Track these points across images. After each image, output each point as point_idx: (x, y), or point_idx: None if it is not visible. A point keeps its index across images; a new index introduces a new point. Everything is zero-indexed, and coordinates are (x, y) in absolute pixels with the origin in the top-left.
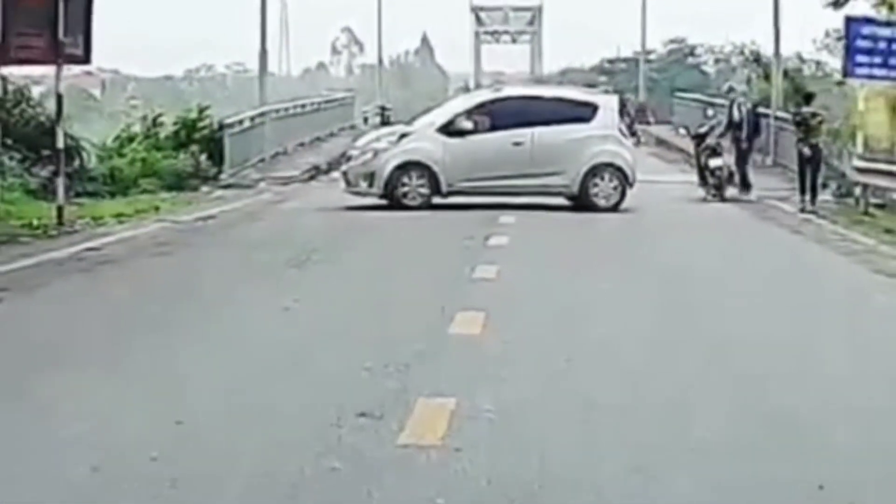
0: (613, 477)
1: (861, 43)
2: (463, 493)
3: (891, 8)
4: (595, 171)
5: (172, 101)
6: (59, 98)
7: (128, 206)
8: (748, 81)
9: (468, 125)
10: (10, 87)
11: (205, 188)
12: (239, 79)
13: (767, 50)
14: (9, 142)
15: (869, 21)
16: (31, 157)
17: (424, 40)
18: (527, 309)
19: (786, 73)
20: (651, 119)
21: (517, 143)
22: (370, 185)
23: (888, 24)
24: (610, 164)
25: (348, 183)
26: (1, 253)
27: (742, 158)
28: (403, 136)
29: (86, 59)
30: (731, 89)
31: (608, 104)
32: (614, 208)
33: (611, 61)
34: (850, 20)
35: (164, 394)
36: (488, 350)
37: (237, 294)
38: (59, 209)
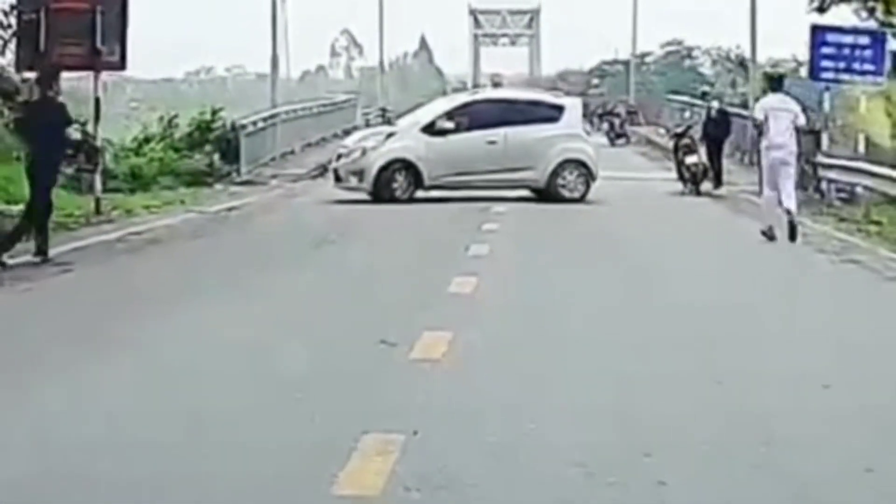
0: (579, 383)
1: (825, 49)
2: (457, 389)
3: (871, 12)
4: (562, 166)
5: (173, 104)
6: (97, 102)
7: (154, 200)
8: (733, 84)
9: (448, 125)
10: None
11: (218, 185)
12: (238, 81)
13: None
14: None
15: (833, 29)
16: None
17: (423, 43)
18: (512, 276)
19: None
20: (642, 120)
21: (491, 142)
22: (360, 181)
23: (851, 31)
24: (575, 160)
25: (339, 179)
26: (56, 237)
27: (715, 156)
28: (390, 135)
29: (122, 66)
30: (704, 93)
31: (573, 106)
32: (580, 199)
33: (608, 63)
34: (815, 28)
35: (240, 330)
36: (478, 303)
37: (269, 267)
38: (97, 201)
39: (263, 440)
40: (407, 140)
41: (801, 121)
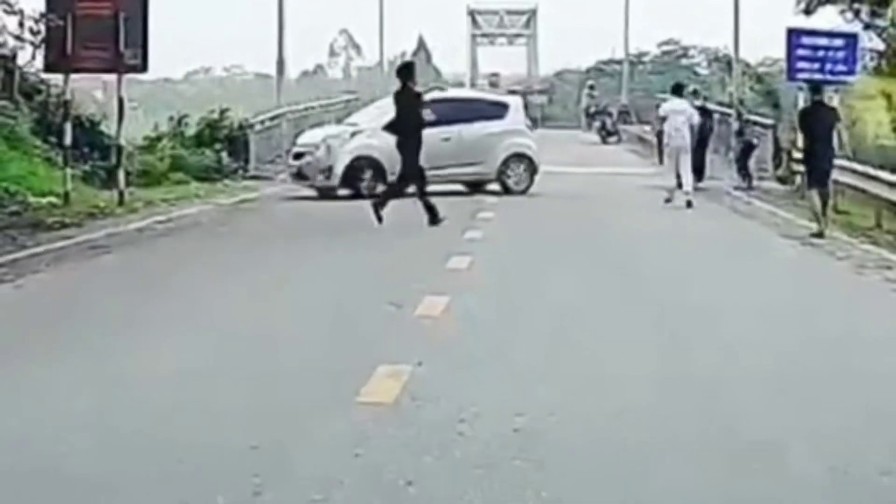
0: (552, 325)
1: (801, 51)
2: (452, 335)
3: (857, 13)
4: (509, 160)
5: (173, 104)
6: (121, 102)
7: (170, 193)
8: (722, 83)
9: None
10: (53, 92)
11: (227, 180)
12: (237, 81)
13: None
14: (53, 140)
15: (808, 32)
16: (74, 152)
17: (421, 43)
18: (503, 255)
19: (759, 78)
20: (633, 119)
21: (446, 139)
22: (327, 178)
23: (825, 34)
24: (521, 154)
25: (303, 177)
26: (88, 225)
27: (696, 151)
28: (355, 133)
29: (143, 68)
30: (695, 91)
31: (517, 104)
32: (524, 192)
33: (605, 63)
34: (790, 31)
35: (273, 299)
36: (472, 277)
37: (287, 249)
38: (121, 193)
39: (302, 369)
40: (372, 138)
41: (695, 120)
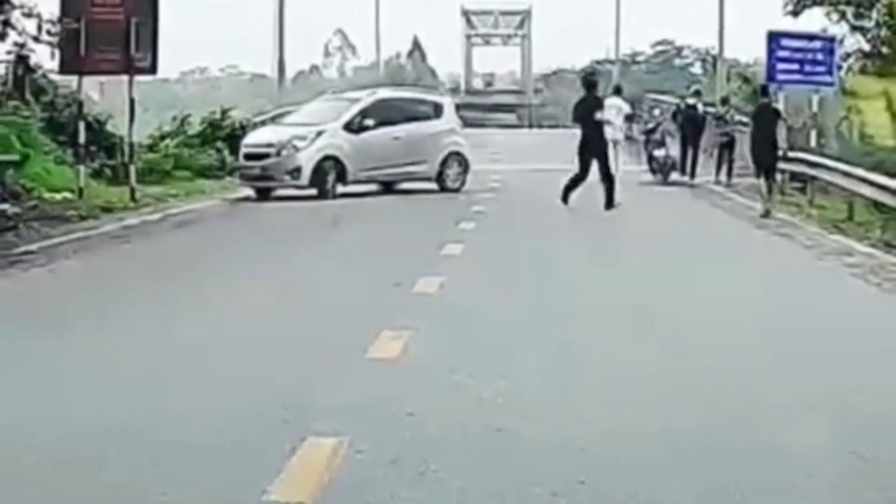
0: (539, 296)
1: (780, 53)
2: (446, 306)
3: (842, 15)
4: (448, 158)
5: (168, 103)
6: (132, 103)
7: (177, 189)
8: (712, 83)
9: (369, 122)
10: (61, 92)
11: (230, 178)
12: (232, 81)
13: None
14: (61, 138)
15: (787, 35)
16: (81, 151)
17: (416, 43)
18: (493, 242)
19: (746, 78)
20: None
21: (396, 138)
22: (294, 178)
23: (804, 37)
24: (457, 153)
25: (266, 178)
26: (104, 218)
27: (683, 149)
28: (320, 133)
29: (153, 70)
30: (697, 91)
31: (450, 104)
32: (459, 189)
33: (599, 62)
34: (771, 35)
35: (287, 279)
36: (464, 261)
37: (296, 238)
38: (132, 190)
39: (317, 334)
40: (334, 137)
41: (625, 110)
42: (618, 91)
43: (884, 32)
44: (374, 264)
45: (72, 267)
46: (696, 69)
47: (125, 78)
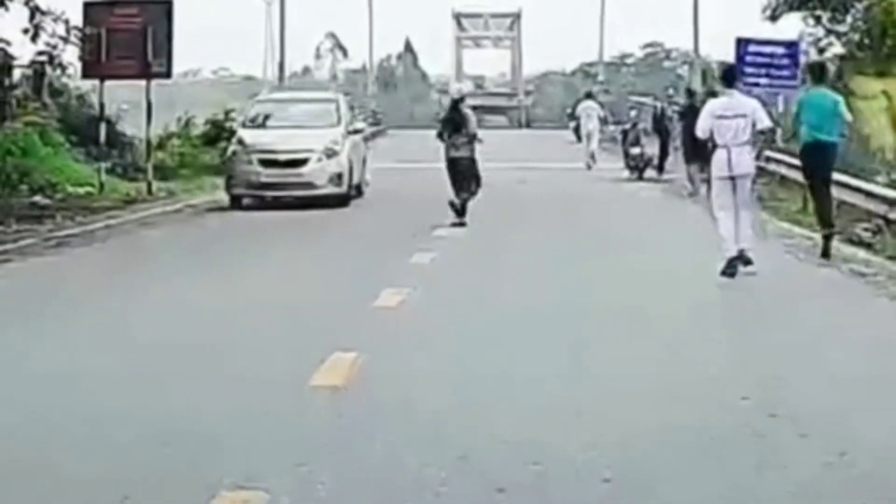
0: (513, 273)
1: (748, 58)
2: (438, 273)
3: (818, 19)
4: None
5: (163, 105)
6: (149, 105)
7: (187, 185)
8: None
9: (360, 126)
10: (74, 94)
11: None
12: (225, 83)
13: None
14: (74, 138)
15: (754, 41)
16: (93, 149)
17: (408, 45)
18: (483, 222)
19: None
20: (609, 119)
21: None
22: (336, 184)
23: (769, 43)
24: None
25: (307, 186)
26: (128, 209)
27: (661, 148)
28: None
29: (168, 75)
30: (689, 91)
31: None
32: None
33: (589, 65)
34: (739, 40)
35: (300, 254)
36: (455, 238)
37: (305, 224)
38: (149, 184)
39: (328, 297)
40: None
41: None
42: (589, 95)
43: (857, 37)
44: (380, 241)
45: (114, 245)
46: (684, 71)
47: (123, 81)
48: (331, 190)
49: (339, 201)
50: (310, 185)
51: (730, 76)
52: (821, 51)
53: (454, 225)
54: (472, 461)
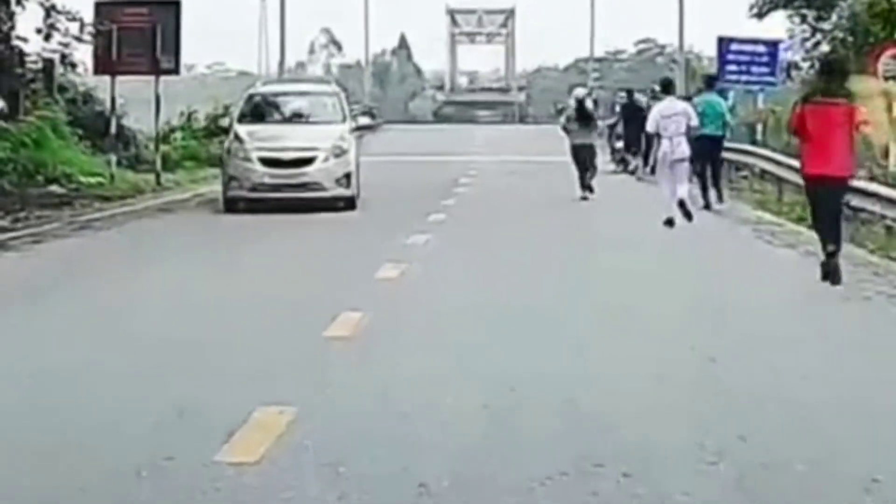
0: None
1: (730, 56)
2: (431, 253)
3: (804, 18)
4: None
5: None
6: (158, 100)
7: (192, 176)
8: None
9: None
10: (80, 90)
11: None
12: (219, 78)
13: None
14: (80, 132)
15: (735, 40)
16: (99, 143)
17: (402, 41)
18: (474, 199)
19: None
20: (597, 115)
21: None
22: (343, 186)
23: (750, 42)
24: None
25: (314, 187)
26: (140, 197)
27: (647, 143)
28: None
29: (176, 71)
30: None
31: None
32: None
33: (583, 60)
34: (721, 40)
35: (302, 238)
36: (452, 213)
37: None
38: (157, 175)
39: (336, 269)
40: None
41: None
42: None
43: (841, 34)
44: (364, 232)
45: (136, 228)
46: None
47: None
48: (338, 192)
49: (347, 204)
50: (316, 187)
51: (668, 87)
52: (814, 46)
53: (582, 199)
54: (457, 381)
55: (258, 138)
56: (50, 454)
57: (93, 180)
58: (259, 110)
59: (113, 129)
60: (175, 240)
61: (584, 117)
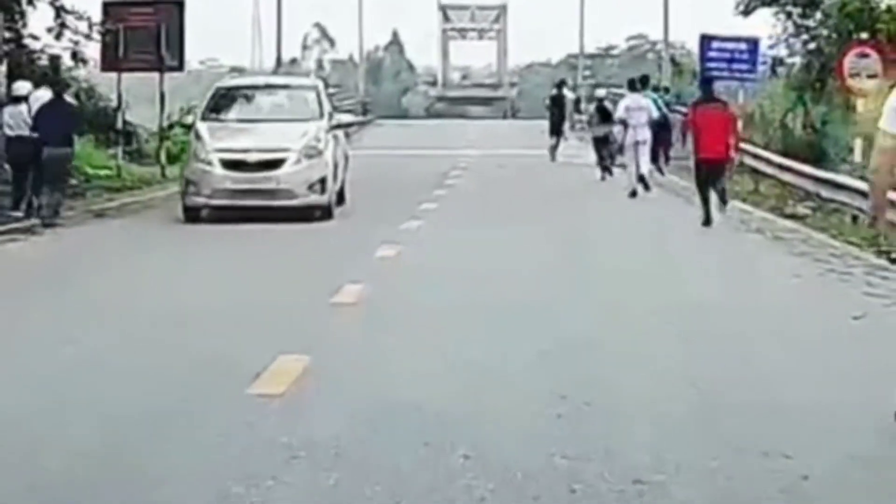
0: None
1: (711, 53)
2: (427, 231)
3: (789, 16)
4: None
5: (152, 96)
6: (162, 96)
7: None
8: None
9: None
10: (84, 86)
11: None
12: (212, 74)
13: None
14: (84, 127)
15: (717, 38)
16: (103, 137)
17: (395, 36)
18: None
19: (694, 73)
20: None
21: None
22: (317, 192)
23: (731, 39)
24: None
25: (283, 194)
26: (148, 189)
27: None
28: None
29: (180, 68)
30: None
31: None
32: None
33: (575, 56)
34: (703, 37)
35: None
36: (452, 192)
37: None
38: (163, 168)
39: (338, 249)
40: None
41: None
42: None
43: (825, 32)
44: (377, 212)
45: (151, 215)
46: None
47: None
48: (311, 199)
49: (321, 213)
50: (285, 194)
51: (634, 85)
52: (803, 44)
53: (602, 179)
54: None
55: (220, 137)
56: (97, 400)
57: (101, 172)
58: (224, 105)
59: (120, 124)
60: (184, 226)
61: (604, 113)
